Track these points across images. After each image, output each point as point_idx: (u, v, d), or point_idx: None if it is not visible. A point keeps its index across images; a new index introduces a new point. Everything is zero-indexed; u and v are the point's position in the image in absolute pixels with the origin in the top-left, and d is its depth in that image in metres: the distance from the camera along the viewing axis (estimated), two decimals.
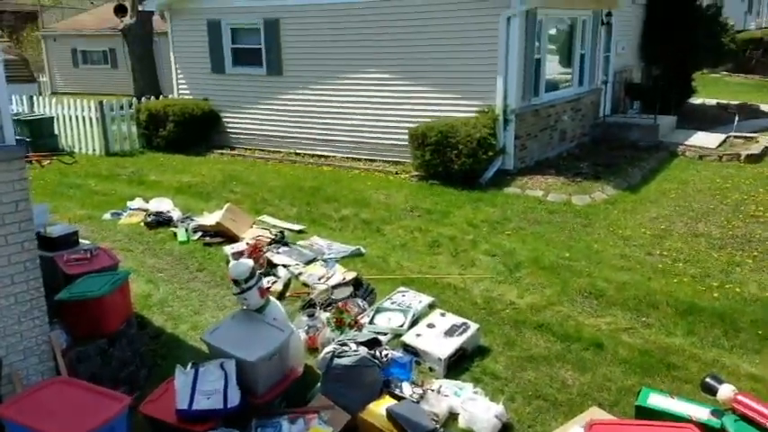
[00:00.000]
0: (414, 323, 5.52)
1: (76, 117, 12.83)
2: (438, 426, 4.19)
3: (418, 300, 5.96)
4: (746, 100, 17.30)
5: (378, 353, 4.63)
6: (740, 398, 3.34)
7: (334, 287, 6.17)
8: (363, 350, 4.51)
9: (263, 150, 12.61)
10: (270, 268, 6.74)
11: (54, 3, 32.63)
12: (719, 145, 12.01)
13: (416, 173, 10.29)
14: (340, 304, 5.74)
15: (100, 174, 11.07)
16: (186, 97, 13.37)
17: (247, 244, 7.18)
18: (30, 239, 3.91)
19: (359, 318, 5.60)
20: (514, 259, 7.10)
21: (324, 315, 5.61)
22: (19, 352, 3.96)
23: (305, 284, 6.47)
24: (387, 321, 5.60)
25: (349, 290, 6.13)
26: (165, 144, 12.76)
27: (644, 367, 5.08)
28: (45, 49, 26.64)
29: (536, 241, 7.69)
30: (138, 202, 8.81)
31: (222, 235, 7.65)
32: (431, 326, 5.36)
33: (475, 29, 10.05)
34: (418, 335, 5.25)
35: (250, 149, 12.77)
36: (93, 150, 12.72)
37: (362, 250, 7.30)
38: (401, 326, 5.51)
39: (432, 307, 5.87)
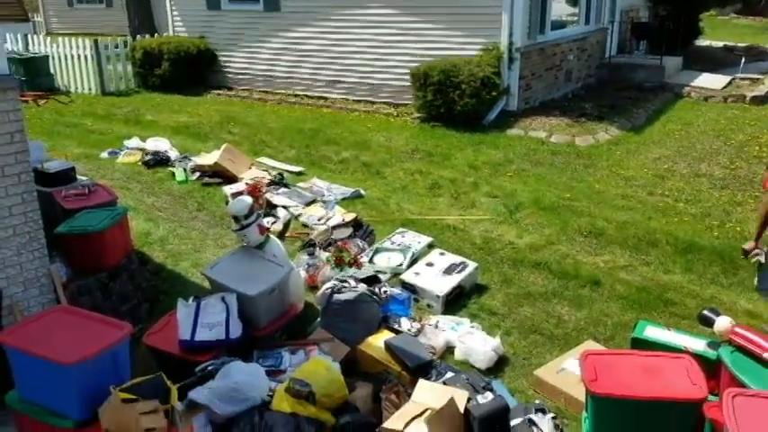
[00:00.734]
0: (413, 263, 5.54)
1: (72, 56, 12.57)
2: (435, 357, 4.25)
3: (417, 240, 5.96)
4: (753, 42, 16.94)
5: (377, 290, 4.66)
6: (738, 329, 3.37)
7: (334, 228, 6.16)
8: (363, 287, 4.54)
9: (261, 91, 12.39)
10: (269, 209, 6.72)
11: None
12: (725, 87, 11.82)
13: (418, 115, 10.15)
14: (340, 243, 5.74)
15: (96, 113, 10.93)
16: (182, 35, 13.07)
17: (246, 184, 7.13)
18: (26, 171, 3.88)
19: (358, 257, 5.62)
20: (515, 200, 7.07)
21: (324, 254, 5.62)
22: (19, 283, 3.99)
23: (305, 225, 6.47)
24: (386, 261, 5.62)
25: (349, 231, 6.13)
26: (160, 83, 12.54)
27: (641, 303, 5.13)
28: None
29: (537, 183, 7.65)
30: (135, 142, 8.72)
31: (221, 175, 7.60)
32: (429, 264, 5.38)
33: None
34: (417, 273, 5.28)
35: (248, 90, 12.55)
36: (89, 90, 12.52)
37: (362, 192, 7.27)
38: (400, 265, 5.53)
39: (431, 247, 5.89)
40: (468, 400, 3.43)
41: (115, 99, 12.11)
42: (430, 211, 6.85)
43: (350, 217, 6.32)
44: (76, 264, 4.70)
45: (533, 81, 10.44)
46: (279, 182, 7.35)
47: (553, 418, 3.64)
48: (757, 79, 12.26)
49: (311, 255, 5.56)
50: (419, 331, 4.54)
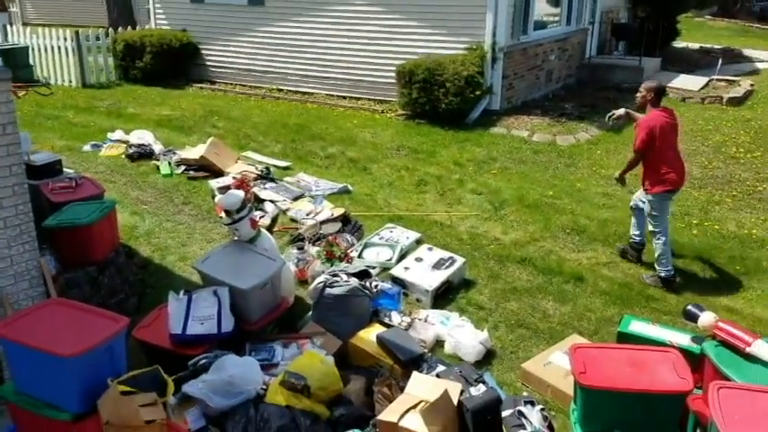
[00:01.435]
0: (401, 258, 5.60)
1: (52, 47, 12.37)
2: (426, 351, 4.32)
3: (406, 236, 6.02)
4: (729, 44, 17.31)
5: (368, 284, 4.71)
6: (722, 324, 3.48)
7: (323, 222, 6.19)
8: (354, 281, 4.58)
9: (244, 85, 12.33)
10: (257, 203, 6.72)
11: None
12: (702, 88, 12.07)
13: (403, 112, 10.21)
14: (330, 238, 5.78)
15: (77, 105, 10.78)
16: (164, 28, 12.95)
17: (234, 178, 7.13)
18: (17, 163, 3.84)
19: (348, 252, 5.66)
20: (499, 197, 7.17)
21: (313, 249, 5.65)
22: (9, 276, 3.95)
23: (293, 220, 6.48)
24: (375, 256, 5.67)
25: (337, 225, 6.16)
26: (142, 76, 12.42)
27: (623, 299, 5.25)
28: None
29: (521, 180, 7.76)
30: (118, 134, 8.64)
31: (206, 169, 7.57)
32: (418, 259, 5.45)
33: None
34: (406, 268, 5.34)
35: (231, 84, 12.48)
36: (70, 82, 12.34)
37: (350, 187, 7.30)
38: (389, 260, 5.59)
39: (419, 242, 5.95)
40: (462, 392, 3.50)
41: (96, 91, 11.96)
42: (417, 207, 6.91)
43: (339, 212, 6.36)
44: (65, 257, 4.67)
45: (516, 81, 10.56)
46: (266, 176, 7.35)
47: (541, 409, 3.74)
48: (734, 81, 12.53)
49: (301, 249, 5.58)
50: (409, 325, 4.61)
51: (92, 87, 12.23)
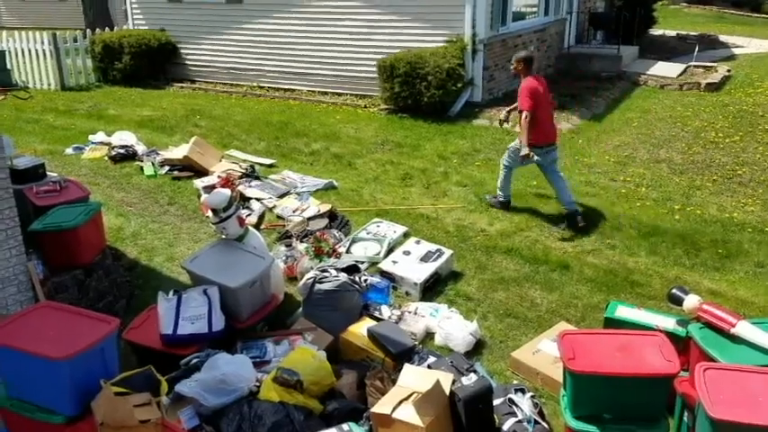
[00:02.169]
0: (389, 252, 5.63)
1: (29, 51, 12.23)
2: (416, 343, 4.36)
3: (393, 230, 6.05)
4: (705, 31, 17.50)
5: (357, 278, 4.73)
6: (706, 306, 3.55)
7: (310, 219, 6.21)
8: (344, 276, 4.60)
9: (225, 84, 12.28)
10: (243, 202, 6.71)
11: None
12: (680, 74, 12.22)
13: (385, 106, 10.22)
14: (317, 234, 5.80)
15: (57, 108, 10.67)
16: (142, 28, 12.84)
17: (219, 177, 7.11)
18: (1, 168, 3.81)
19: (336, 247, 5.68)
20: (484, 189, 7.22)
21: (301, 246, 5.66)
22: None
23: (279, 217, 6.49)
24: (363, 251, 5.70)
25: (324, 221, 6.18)
26: (121, 77, 12.33)
27: (609, 285, 5.33)
28: None
29: None
30: (100, 136, 8.57)
31: (190, 169, 7.54)
32: (406, 253, 5.49)
33: None
34: (395, 261, 5.38)
35: (211, 83, 12.42)
36: (48, 85, 12.21)
37: (335, 183, 7.32)
38: (377, 254, 5.62)
39: (406, 236, 5.99)
40: (453, 382, 3.54)
41: (76, 94, 11.84)
42: (403, 201, 6.95)
43: (325, 208, 6.38)
44: (52, 261, 4.64)
45: (496, 72, 10.61)
46: (251, 174, 7.34)
47: (532, 397, 3.80)
48: (710, 67, 12.70)
49: (288, 246, 5.59)
50: (399, 318, 4.64)
51: (71, 90, 12.11)
